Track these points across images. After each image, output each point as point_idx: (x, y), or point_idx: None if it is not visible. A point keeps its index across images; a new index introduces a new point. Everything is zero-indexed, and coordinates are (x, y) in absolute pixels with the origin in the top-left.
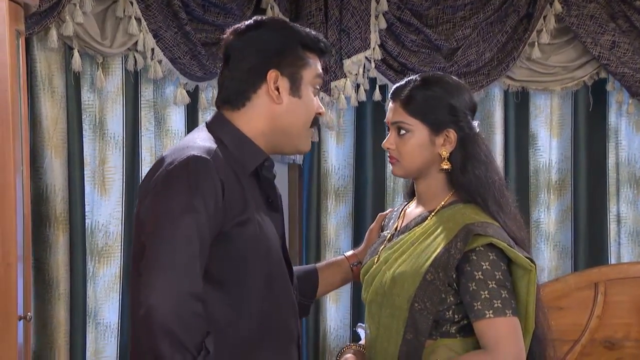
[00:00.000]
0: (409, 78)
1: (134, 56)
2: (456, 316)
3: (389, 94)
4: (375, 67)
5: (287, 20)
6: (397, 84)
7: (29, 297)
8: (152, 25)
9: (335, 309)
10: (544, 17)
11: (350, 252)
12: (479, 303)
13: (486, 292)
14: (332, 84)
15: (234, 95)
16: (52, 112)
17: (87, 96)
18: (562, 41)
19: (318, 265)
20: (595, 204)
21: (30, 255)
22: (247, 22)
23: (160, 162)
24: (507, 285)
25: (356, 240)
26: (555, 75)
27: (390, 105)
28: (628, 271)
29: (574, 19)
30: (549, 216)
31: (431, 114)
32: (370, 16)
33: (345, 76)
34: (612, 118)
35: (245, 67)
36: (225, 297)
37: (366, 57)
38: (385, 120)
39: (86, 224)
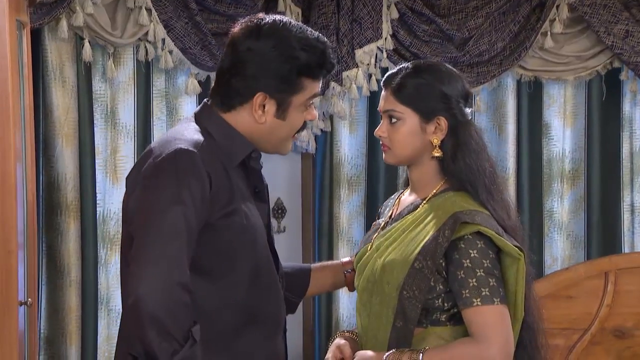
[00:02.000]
0: (401, 66)
1: (145, 46)
2: (446, 304)
3: (382, 82)
4: (387, 57)
5: (298, 35)
6: (389, 72)
7: (33, 283)
8: (163, 15)
9: (347, 298)
10: (557, 7)
11: (347, 259)
12: (467, 291)
13: (474, 280)
14: (344, 74)
15: (222, 98)
16: (63, 101)
17: (98, 86)
18: (575, 30)
19: (313, 265)
20: (608, 193)
21: (36, 242)
22: (260, 23)
23: (148, 154)
24: (495, 274)
25: (368, 229)
26: (568, 64)
27: (382, 93)
28: (639, 260)
29: (587, 8)
30: (562, 206)
31: (421, 101)
32: (382, 6)
33: (357, 66)
34: (626, 107)
35: (239, 79)
36: (212, 286)
37: (378, 47)
38: (378, 108)
39: (98, 212)
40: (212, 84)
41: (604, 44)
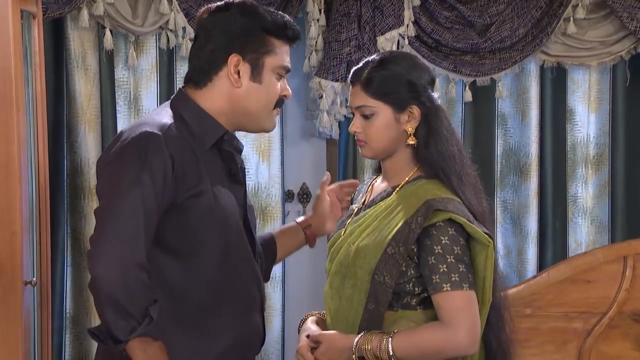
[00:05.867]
0: (367, 59)
1: (167, 34)
2: (416, 289)
3: (349, 79)
4: (409, 43)
5: (258, 5)
6: (355, 67)
7: (46, 263)
8: (183, 4)
9: None
10: None
11: (301, 218)
12: (437, 276)
13: (444, 265)
14: None
15: (197, 74)
16: (85, 88)
17: (122, 73)
18: (599, 16)
19: (274, 231)
20: (633, 178)
21: (48, 224)
22: (218, 3)
23: (117, 137)
24: (465, 260)
25: None
26: (592, 50)
27: (350, 89)
28: None
29: None
30: (587, 191)
31: (392, 93)
32: None
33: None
34: None
35: (210, 48)
36: (181, 265)
37: (400, 34)
38: (348, 104)
39: None
40: None
41: (627, 29)
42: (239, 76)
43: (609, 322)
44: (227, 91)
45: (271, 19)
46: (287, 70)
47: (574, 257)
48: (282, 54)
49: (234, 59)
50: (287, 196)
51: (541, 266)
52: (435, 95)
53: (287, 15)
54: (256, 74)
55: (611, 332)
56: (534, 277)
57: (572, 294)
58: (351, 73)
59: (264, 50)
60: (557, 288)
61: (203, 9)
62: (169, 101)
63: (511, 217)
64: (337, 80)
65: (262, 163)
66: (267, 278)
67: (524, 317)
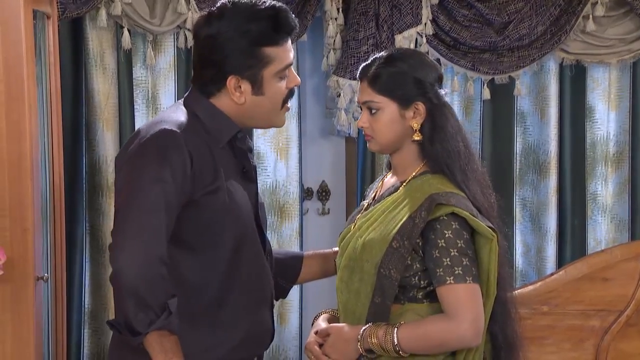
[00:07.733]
0: (375, 56)
1: (185, 34)
2: (422, 282)
3: (357, 75)
4: (427, 42)
5: (246, 9)
6: (364, 64)
7: (60, 259)
8: (201, 4)
9: None
10: None
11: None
12: (441, 269)
13: (448, 259)
14: None
15: (201, 87)
16: (103, 87)
17: (140, 72)
18: (618, 13)
19: (306, 253)
20: None
21: (63, 221)
22: (212, 10)
23: (136, 135)
24: (468, 253)
25: None
26: (611, 47)
27: (358, 85)
28: None
29: None
30: (606, 189)
31: (398, 89)
32: None
33: None
34: None
35: (209, 68)
36: (196, 260)
37: (418, 32)
38: (356, 100)
39: None
40: None
41: None
42: (241, 93)
43: (626, 320)
44: (232, 104)
45: (260, 30)
46: (290, 64)
47: (592, 255)
48: (281, 57)
49: (232, 81)
50: (307, 194)
51: (560, 264)
52: (443, 92)
53: (275, 8)
54: (257, 88)
55: (629, 330)
56: (551, 274)
57: (590, 292)
58: (359, 69)
59: (261, 64)
60: (575, 286)
61: (199, 15)
62: (182, 100)
63: (530, 215)
64: (354, 79)
65: (280, 161)
66: (284, 295)
67: (541, 315)
